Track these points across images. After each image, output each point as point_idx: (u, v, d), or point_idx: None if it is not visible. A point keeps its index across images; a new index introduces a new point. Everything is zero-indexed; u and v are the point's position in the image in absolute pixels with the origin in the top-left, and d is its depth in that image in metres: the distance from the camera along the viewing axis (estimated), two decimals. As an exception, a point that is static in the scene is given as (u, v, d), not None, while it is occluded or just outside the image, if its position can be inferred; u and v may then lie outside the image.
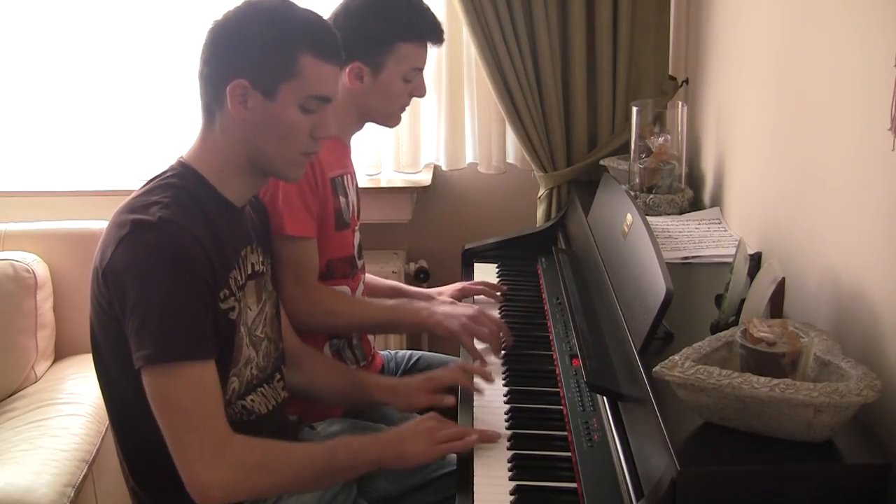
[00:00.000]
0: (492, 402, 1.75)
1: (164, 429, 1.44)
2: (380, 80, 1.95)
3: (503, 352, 1.93)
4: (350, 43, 1.84)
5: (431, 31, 1.98)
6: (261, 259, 1.67)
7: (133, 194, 1.54)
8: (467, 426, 1.67)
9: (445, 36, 2.06)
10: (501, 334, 1.97)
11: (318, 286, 1.90)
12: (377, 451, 1.58)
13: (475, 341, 1.95)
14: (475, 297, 2.26)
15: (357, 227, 2.07)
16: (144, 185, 1.56)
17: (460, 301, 2.23)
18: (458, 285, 2.28)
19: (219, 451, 1.44)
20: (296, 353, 1.82)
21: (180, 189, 1.52)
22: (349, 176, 2.03)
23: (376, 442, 1.61)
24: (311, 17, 1.57)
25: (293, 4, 1.57)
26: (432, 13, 2.01)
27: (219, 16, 1.55)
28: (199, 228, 1.48)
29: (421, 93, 2.03)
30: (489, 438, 1.61)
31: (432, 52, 2.03)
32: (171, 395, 1.43)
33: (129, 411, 1.56)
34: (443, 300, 2.21)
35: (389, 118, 2.04)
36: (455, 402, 1.81)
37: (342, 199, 1.96)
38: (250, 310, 1.61)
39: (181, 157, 1.60)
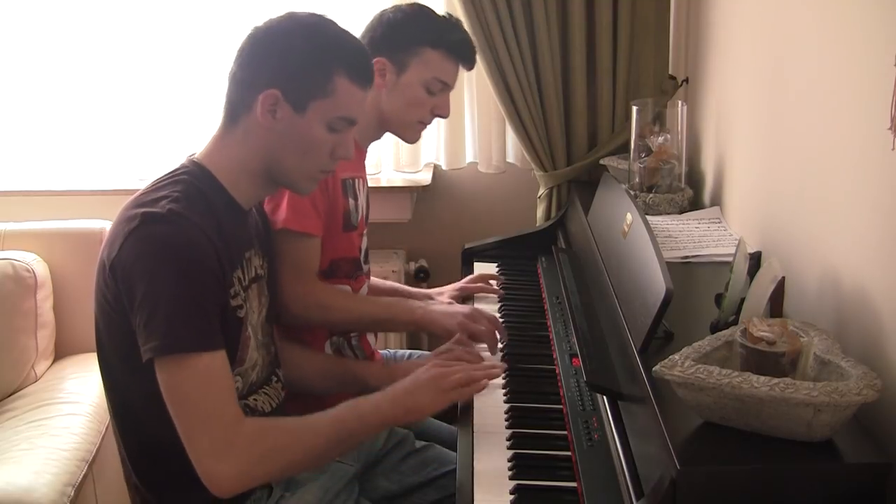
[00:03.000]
0: (491, 401, 1.74)
1: (175, 420, 1.44)
2: (401, 82, 1.96)
3: (501, 350, 1.93)
4: (379, 39, 1.91)
5: (461, 49, 1.98)
6: (261, 263, 1.67)
7: (142, 189, 1.55)
8: (472, 367, 1.70)
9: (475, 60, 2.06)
10: (498, 332, 1.96)
11: (315, 281, 1.90)
12: (387, 410, 1.58)
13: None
14: (475, 295, 2.26)
15: (365, 232, 2.07)
16: (154, 181, 1.56)
17: (459, 302, 2.23)
18: (456, 285, 2.29)
19: (229, 441, 1.44)
20: (287, 350, 1.82)
21: (190, 185, 1.53)
22: (361, 180, 2.03)
23: (385, 400, 1.59)
24: (351, 40, 1.60)
25: (335, 24, 1.59)
26: (466, 34, 2.03)
27: (260, 22, 1.57)
28: (207, 224, 1.49)
29: (443, 112, 2.02)
30: (495, 376, 1.66)
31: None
32: (179, 386, 1.43)
33: (131, 407, 1.56)
34: (441, 300, 2.22)
35: (406, 129, 2.02)
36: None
37: (351, 202, 1.96)
38: (254, 312, 1.62)
39: (192, 155, 1.60)
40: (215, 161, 1.58)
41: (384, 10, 2.00)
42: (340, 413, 1.55)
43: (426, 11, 2.01)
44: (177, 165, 1.59)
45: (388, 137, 2.86)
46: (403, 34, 1.95)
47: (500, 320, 2.10)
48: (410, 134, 2.05)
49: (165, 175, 1.57)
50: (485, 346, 1.92)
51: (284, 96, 1.51)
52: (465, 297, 2.26)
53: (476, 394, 1.65)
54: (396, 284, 2.40)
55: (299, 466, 1.57)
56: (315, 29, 1.56)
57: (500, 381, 1.82)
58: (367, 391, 1.82)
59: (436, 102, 1.99)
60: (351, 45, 1.59)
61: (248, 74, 1.54)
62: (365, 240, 2.07)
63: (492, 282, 2.29)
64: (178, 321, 1.42)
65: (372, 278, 2.24)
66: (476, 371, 1.66)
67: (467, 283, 2.30)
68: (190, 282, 1.43)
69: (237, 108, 1.56)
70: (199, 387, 1.43)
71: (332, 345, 2.01)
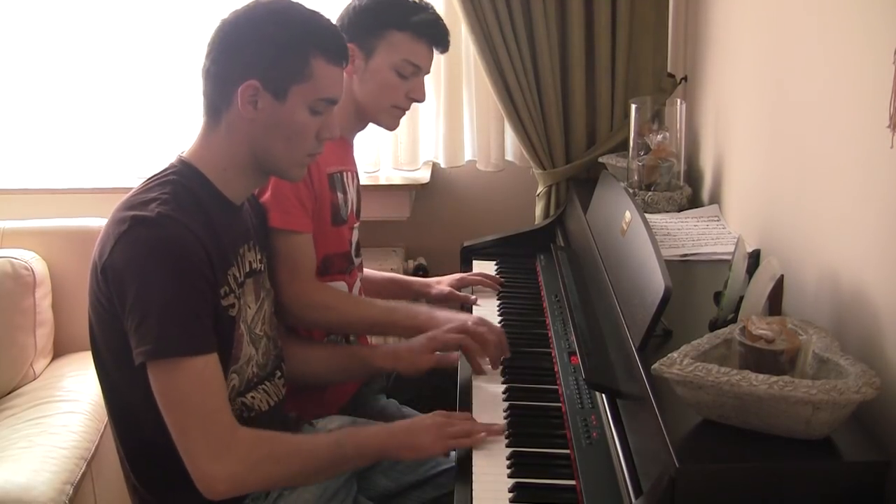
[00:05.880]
0: (490, 399, 1.75)
1: (169, 423, 1.44)
2: (370, 67, 1.95)
3: (501, 364, 1.88)
4: (346, 26, 1.92)
5: (428, 30, 1.97)
6: (258, 257, 1.67)
7: (132, 191, 1.54)
8: (475, 422, 1.66)
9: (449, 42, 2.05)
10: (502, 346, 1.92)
11: (314, 280, 1.90)
12: (384, 442, 1.58)
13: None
14: (473, 287, 2.27)
15: (356, 225, 2.06)
16: (144, 183, 1.56)
17: (459, 291, 2.24)
18: (456, 276, 2.29)
19: (224, 444, 1.44)
20: (290, 343, 1.82)
21: (179, 186, 1.52)
22: (349, 174, 2.02)
23: (383, 432, 1.60)
24: (321, 20, 1.58)
25: (303, 6, 1.58)
26: (436, 14, 2.01)
27: (227, 14, 1.55)
28: (198, 225, 1.48)
29: (419, 96, 2.01)
30: (495, 434, 1.61)
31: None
32: (173, 390, 1.43)
33: (127, 407, 1.56)
34: (440, 289, 2.22)
35: (382, 114, 2.01)
36: (458, 359, 1.83)
37: (340, 196, 1.96)
38: (249, 308, 1.62)
39: (181, 154, 1.60)
40: (203, 158, 1.57)
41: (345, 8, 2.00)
42: (338, 437, 1.57)
43: None
44: (166, 165, 1.59)
45: (388, 137, 2.90)
46: (368, 18, 1.95)
47: (500, 319, 2.11)
48: (387, 120, 2.03)
49: (155, 175, 1.56)
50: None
51: (264, 86, 1.51)
52: (463, 286, 2.27)
53: (476, 444, 1.59)
54: (393, 275, 2.39)
55: (292, 481, 1.56)
56: (284, 14, 1.55)
57: (499, 378, 1.82)
58: (372, 372, 1.83)
59: (410, 87, 1.98)
60: (322, 24, 1.57)
61: (224, 68, 1.53)
62: (356, 233, 2.06)
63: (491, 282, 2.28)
64: (170, 325, 1.42)
65: (369, 270, 2.25)
66: (478, 426, 1.63)
67: (468, 275, 2.30)
68: (181, 285, 1.43)
69: (217, 103, 1.55)
70: (194, 390, 1.43)
71: (329, 342, 2.01)
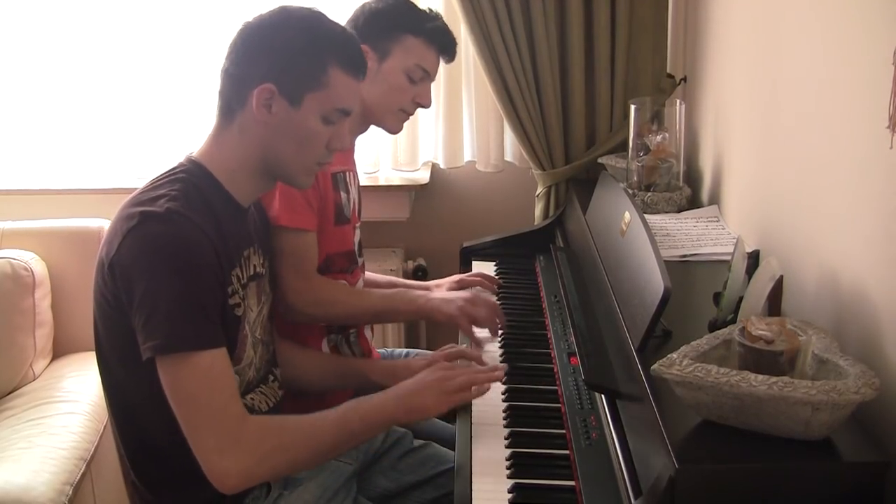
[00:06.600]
0: (490, 399, 1.74)
1: (179, 418, 1.44)
2: (383, 69, 1.98)
3: (499, 339, 1.96)
4: (361, 28, 1.96)
5: (441, 37, 2.02)
6: (261, 261, 1.67)
7: (141, 188, 1.55)
8: (473, 373, 1.69)
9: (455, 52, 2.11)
10: (497, 320, 2.00)
11: (317, 277, 1.91)
12: (390, 409, 1.58)
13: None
14: (472, 288, 2.27)
15: (358, 225, 2.08)
16: (153, 180, 1.56)
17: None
18: (455, 277, 2.31)
19: (234, 438, 1.44)
20: (284, 349, 1.82)
21: (188, 184, 1.53)
22: (351, 174, 2.04)
23: (388, 399, 1.60)
24: (343, 32, 1.61)
25: (326, 17, 1.60)
26: (446, 25, 2.06)
27: (251, 17, 1.57)
28: (206, 222, 1.49)
29: (425, 101, 2.05)
30: (495, 380, 1.67)
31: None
32: (182, 385, 1.43)
33: (130, 406, 1.56)
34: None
35: (388, 116, 2.03)
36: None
37: (343, 195, 1.98)
38: (252, 310, 1.62)
39: (190, 153, 1.60)
40: (213, 159, 1.58)
41: (366, 1, 2.04)
42: (344, 413, 1.56)
43: (407, 1, 2.06)
44: (175, 164, 1.59)
45: (387, 137, 2.89)
46: (385, 21, 1.99)
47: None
48: (392, 122, 2.06)
49: (164, 174, 1.57)
50: (486, 331, 1.99)
51: (279, 90, 1.51)
52: (462, 288, 2.27)
53: (479, 397, 1.66)
54: (394, 278, 2.42)
55: (303, 465, 1.57)
56: (307, 22, 1.57)
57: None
58: (367, 386, 1.84)
59: (417, 91, 2.02)
60: (343, 36, 1.60)
61: (242, 70, 1.54)
62: (358, 233, 2.08)
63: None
64: (180, 319, 1.42)
65: (370, 273, 2.26)
66: (479, 375, 1.67)
67: (466, 276, 2.32)
68: (190, 280, 1.43)
69: (232, 104, 1.56)
70: (203, 385, 1.43)
71: (329, 342, 2.01)
